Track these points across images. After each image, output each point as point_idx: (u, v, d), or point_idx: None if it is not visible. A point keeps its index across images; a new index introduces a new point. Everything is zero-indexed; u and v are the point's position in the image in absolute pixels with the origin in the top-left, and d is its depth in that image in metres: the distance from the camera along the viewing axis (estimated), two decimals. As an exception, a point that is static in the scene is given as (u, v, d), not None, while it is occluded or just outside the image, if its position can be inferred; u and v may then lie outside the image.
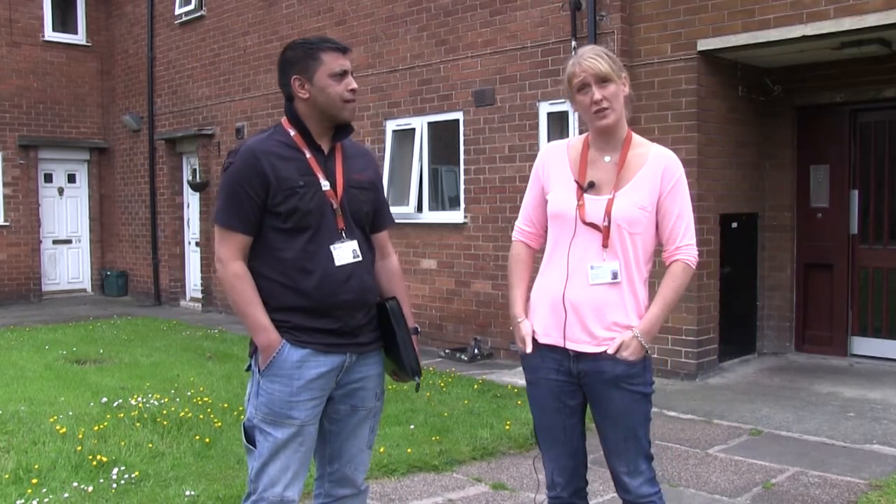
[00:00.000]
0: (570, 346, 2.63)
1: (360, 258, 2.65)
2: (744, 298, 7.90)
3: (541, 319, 2.70)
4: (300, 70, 2.61)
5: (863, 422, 5.64)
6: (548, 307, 2.68)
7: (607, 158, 2.67)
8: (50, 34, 13.80)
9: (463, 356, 8.17)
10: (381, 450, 4.77)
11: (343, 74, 2.61)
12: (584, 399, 2.72)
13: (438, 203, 9.18)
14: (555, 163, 2.75)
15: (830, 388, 6.63)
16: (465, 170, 8.60)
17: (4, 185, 13.39)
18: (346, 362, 2.65)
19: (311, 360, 2.59)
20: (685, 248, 2.66)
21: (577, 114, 7.51)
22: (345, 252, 2.62)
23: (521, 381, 6.84)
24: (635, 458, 2.66)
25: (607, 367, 2.59)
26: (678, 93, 7.05)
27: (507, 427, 5.37)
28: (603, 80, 2.57)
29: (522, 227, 2.86)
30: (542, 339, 2.69)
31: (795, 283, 8.01)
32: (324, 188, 2.61)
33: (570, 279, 2.63)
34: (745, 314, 7.93)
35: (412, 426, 5.40)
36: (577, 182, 2.66)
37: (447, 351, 8.40)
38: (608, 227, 2.59)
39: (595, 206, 2.62)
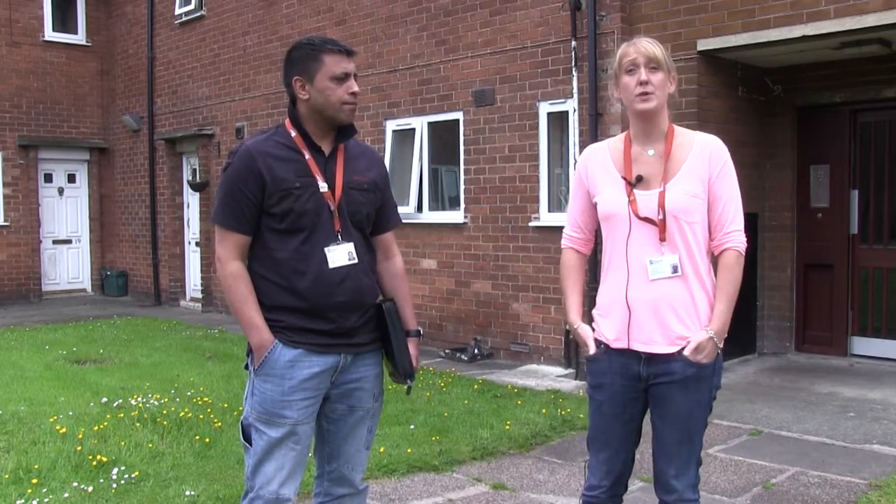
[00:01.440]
0: (639, 347, 2.57)
1: (355, 260, 2.64)
2: (744, 298, 7.84)
3: (611, 324, 2.64)
4: (301, 71, 2.61)
5: (863, 422, 5.63)
6: (614, 310, 2.63)
7: (651, 152, 2.63)
8: (50, 34, 13.80)
9: (463, 356, 8.16)
10: (381, 450, 4.77)
11: (344, 77, 2.60)
12: (645, 406, 2.68)
13: (438, 203, 9.18)
14: (597, 164, 2.71)
15: (830, 388, 6.63)
16: (465, 170, 8.59)
17: (4, 185, 13.39)
18: (340, 363, 2.65)
19: (304, 360, 2.59)
20: (734, 233, 2.59)
21: (577, 113, 7.53)
22: (340, 254, 2.61)
23: (522, 381, 6.89)
24: (687, 461, 2.63)
25: (678, 368, 2.54)
26: (678, 93, 7.02)
27: (507, 427, 5.37)
28: (654, 65, 2.56)
29: (571, 234, 2.83)
30: (613, 345, 2.63)
31: (795, 283, 8.01)
32: (321, 190, 2.60)
33: (631, 278, 2.58)
34: (745, 314, 7.92)
35: (412, 426, 5.40)
36: (625, 178, 2.63)
37: (447, 351, 8.40)
38: (664, 221, 2.55)
39: (647, 200, 2.58)
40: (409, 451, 4.84)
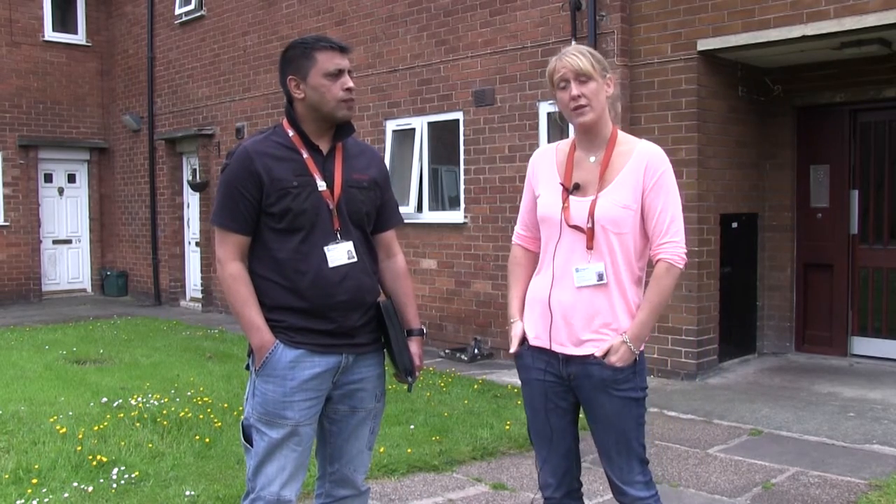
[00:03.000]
0: (557, 348, 2.63)
1: (355, 259, 2.64)
2: (744, 298, 7.89)
3: (531, 322, 2.71)
4: (295, 70, 2.62)
5: (863, 422, 5.63)
6: (536, 310, 2.69)
7: (592, 159, 2.65)
8: (50, 34, 13.80)
9: (463, 356, 8.17)
10: (381, 450, 4.77)
11: (338, 74, 2.59)
12: (577, 400, 2.71)
13: (438, 203, 9.18)
14: (543, 166, 2.75)
15: (830, 388, 6.63)
16: (465, 170, 8.59)
17: (4, 185, 13.39)
18: (342, 363, 2.65)
19: (305, 361, 2.59)
20: (668, 245, 2.57)
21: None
22: (339, 253, 2.61)
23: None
24: (628, 461, 2.64)
25: (595, 371, 2.58)
26: (678, 93, 7.05)
27: (507, 427, 5.37)
28: (582, 76, 2.56)
29: (519, 231, 2.88)
30: (532, 342, 2.69)
31: (795, 283, 8.01)
32: (320, 188, 2.60)
33: (555, 282, 2.63)
34: (745, 314, 7.93)
35: (412, 426, 5.40)
36: (563, 184, 2.66)
37: (447, 351, 8.41)
38: (592, 229, 2.57)
39: (579, 207, 2.60)
40: (409, 451, 4.84)
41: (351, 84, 2.61)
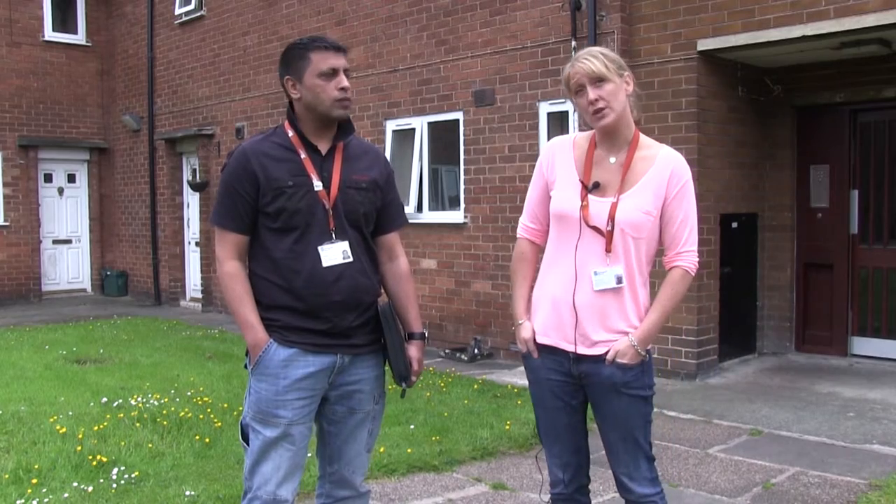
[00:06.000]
0: (567, 347, 2.61)
1: (350, 259, 2.63)
2: (744, 298, 7.89)
3: (541, 320, 2.68)
4: (291, 71, 2.64)
5: (863, 422, 5.64)
6: (550, 308, 2.65)
7: (613, 160, 2.62)
8: (50, 34, 13.80)
9: (463, 356, 8.17)
10: (381, 450, 4.77)
11: (332, 73, 2.59)
12: (586, 398, 2.71)
13: (438, 203, 9.18)
14: (560, 159, 2.70)
15: (830, 388, 6.63)
16: (465, 170, 8.60)
17: (4, 185, 13.38)
18: (337, 363, 2.64)
19: (299, 360, 2.59)
20: (686, 254, 2.62)
21: (577, 113, 7.53)
22: (334, 253, 2.61)
23: (522, 381, 6.88)
24: (635, 459, 2.65)
25: (604, 370, 2.58)
26: (678, 93, 7.05)
27: (507, 427, 5.37)
28: (597, 79, 2.52)
29: (527, 224, 2.82)
30: (540, 340, 2.67)
31: (795, 283, 8.01)
32: (316, 188, 2.61)
33: (578, 283, 2.59)
34: (745, 314, 7.93)
35: (412, 426, 5.40)
36: (582, 182, 2.62)
37: (447, 351, 8.41)
38: (611, 232, 2.55)
39: (599, 208, 2.57)
40: (409, 451, 4.84)
41: (346, 83, 2.61)
